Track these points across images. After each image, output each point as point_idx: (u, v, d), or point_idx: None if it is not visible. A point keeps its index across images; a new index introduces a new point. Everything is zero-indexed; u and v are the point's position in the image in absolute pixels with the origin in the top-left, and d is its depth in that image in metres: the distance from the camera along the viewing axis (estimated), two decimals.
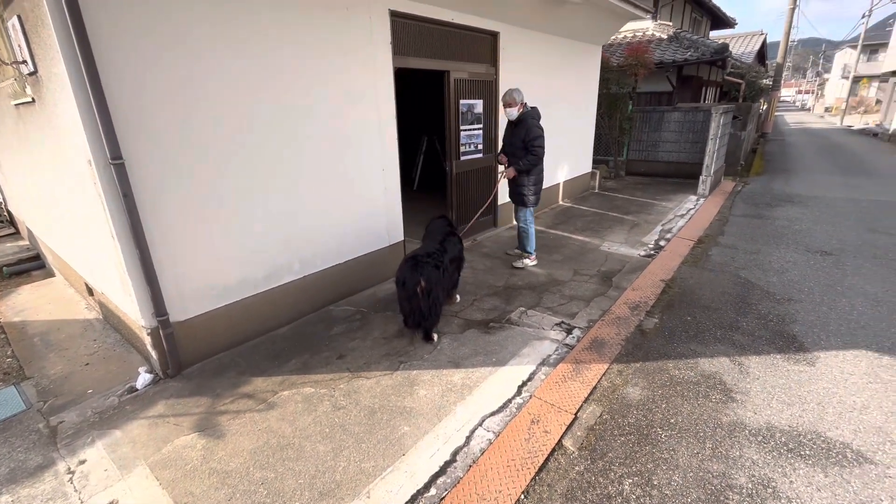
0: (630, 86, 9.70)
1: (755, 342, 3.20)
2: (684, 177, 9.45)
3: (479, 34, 4.96)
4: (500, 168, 4.70)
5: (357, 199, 3.91)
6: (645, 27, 12.12)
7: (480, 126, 5.28)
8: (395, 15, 3.88)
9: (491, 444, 2.27)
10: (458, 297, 3.91)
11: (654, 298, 3.92)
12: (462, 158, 5.11)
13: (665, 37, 11.34)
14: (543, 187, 7.21)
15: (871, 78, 33.72)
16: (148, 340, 2.81)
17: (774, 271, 4.49)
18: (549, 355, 3.08)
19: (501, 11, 4.98)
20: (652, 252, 5.11)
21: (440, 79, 4.74)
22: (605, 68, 9.47)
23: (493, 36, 5.17)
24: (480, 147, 5.36)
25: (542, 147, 4.20)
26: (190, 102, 2.67)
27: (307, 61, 3.26)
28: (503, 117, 5.61)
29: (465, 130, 5.08)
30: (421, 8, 4.08)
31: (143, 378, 2.84)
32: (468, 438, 2.31)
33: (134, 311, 2.80)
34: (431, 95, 7.29)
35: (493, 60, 5.27)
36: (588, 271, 4.56)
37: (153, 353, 2.84)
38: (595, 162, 10.68)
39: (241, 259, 3.16)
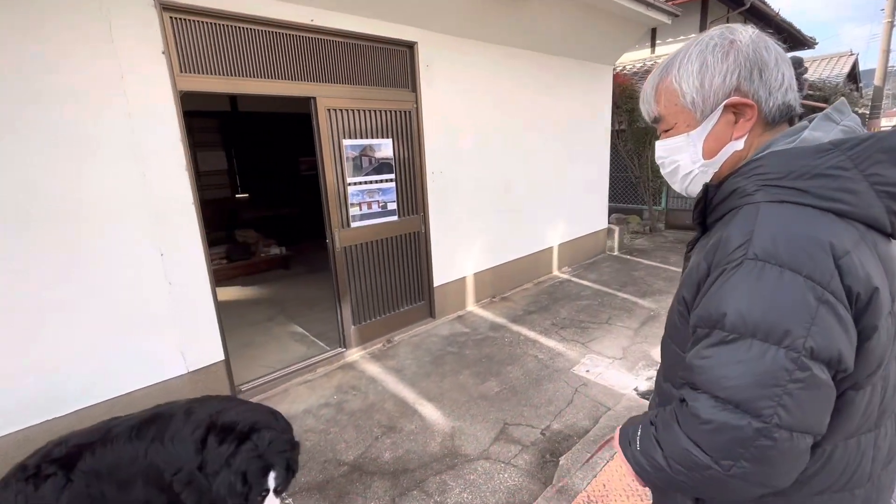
0: None
1: None
2: None
3: (379, 44, 3.37)
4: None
5: (97, 306, 2.32)
6: None
7: (391, 176, 3.59)
8: (172, 9, 2.40)
9: None
10: None
11: None
12: (354, 225, 3.41)
13: None
14: (527, 253, 5.15)
15: None
16: None
17: None
18: None
19: (415, 12, 3.38)
20: None
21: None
22: (631, 97, 7.55)
23: (408, 47, 3.56)
24: (393, 207, 3.65)
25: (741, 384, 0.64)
26: None
27: None
28: (437, 158, 3.89)
29: (360, 184, 3.41)
30: (231, 2, 2.58)
31: None
32: None
33: None
34: None
35: (410, 82, 3.63)
36: (528, 431, 2.55)
37: None
38: (626, 212, 8.57)
39: None
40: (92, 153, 2.23)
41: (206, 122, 6.97)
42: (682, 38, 9.97)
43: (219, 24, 2.58)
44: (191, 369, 2.68)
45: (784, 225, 0.66)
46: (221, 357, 2.81)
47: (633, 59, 10.22)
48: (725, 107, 0.74)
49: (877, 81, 13.82)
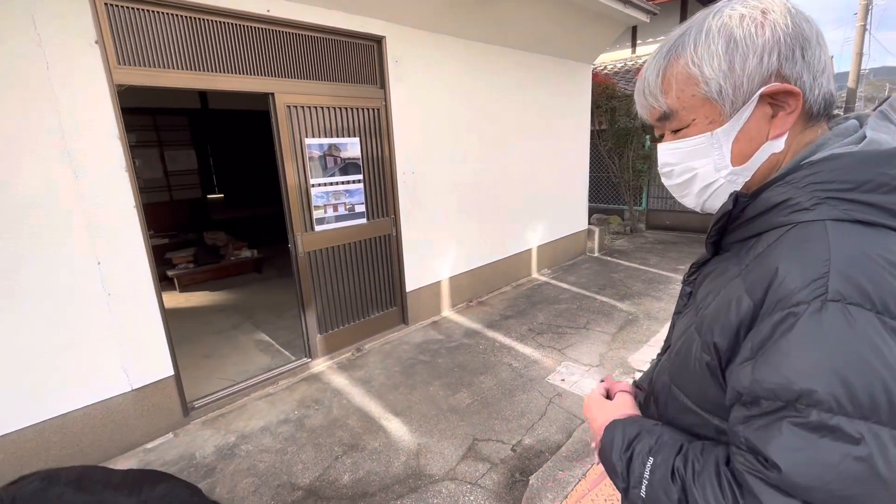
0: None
1: None
2: None
3: (343, 38, 3.20)
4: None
5: (25, 318, 2.11)
6: None
7: (359, 177, 3.43)
8: None
9: None
10: None
11: None
12: (319, 228, 3.24)
13: None
14: (505, 256, 4.92)
15: None
16: None
17: None
18: None
19: (381, 4, 3.21)
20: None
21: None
22: (612, 97, 7.50)
23: (376, 42, 3.39)
24: (361, 209, 3.48)
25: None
26: None
27: None
28: (408, 158, 3.72)
29: (325, 185, 3.24)
30: None
31: None
32: None
33: None
34: None
35: (379, 78, 3.46)
36: (498, 447, 2.42)
37: None
38: (607, 212, 8.55)
39: None
40: (17, 152, 2.02)
41: (175, 120, 6.68)
42: (662, 38, 9.96)
43: (163, 13, 2.38)
44: (135, 386, 2.48)
45: (869, 253, 0.48)
46: (170, 372, 2.60)
47: (613, 58, 10.20)
48: (761, 96, 0.57)
49: (850, 84, 14.11)
